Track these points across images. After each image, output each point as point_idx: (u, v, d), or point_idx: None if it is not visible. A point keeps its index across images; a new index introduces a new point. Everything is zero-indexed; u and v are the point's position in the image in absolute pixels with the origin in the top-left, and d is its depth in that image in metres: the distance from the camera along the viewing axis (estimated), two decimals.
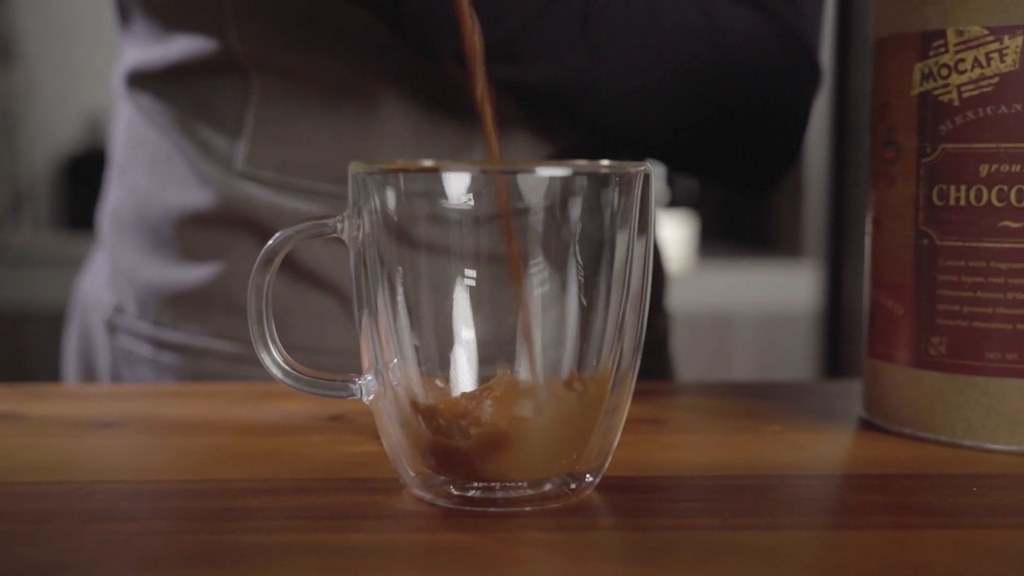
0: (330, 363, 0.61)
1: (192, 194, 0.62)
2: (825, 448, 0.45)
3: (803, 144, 0.65)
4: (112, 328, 0.67)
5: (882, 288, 0.47)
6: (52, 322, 1.44)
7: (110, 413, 0.50)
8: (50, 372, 1.19)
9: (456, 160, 0.60)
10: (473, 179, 0.34)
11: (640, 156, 0.64)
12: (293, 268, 0.61)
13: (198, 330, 0.63)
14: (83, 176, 2.02)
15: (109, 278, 0.68)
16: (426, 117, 0.60)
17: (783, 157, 0.65)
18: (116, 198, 0.68)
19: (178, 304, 0.63)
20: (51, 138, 2.09)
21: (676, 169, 0.67)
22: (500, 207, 0.34)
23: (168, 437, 0.46)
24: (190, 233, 0.63)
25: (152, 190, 0.64)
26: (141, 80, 0.65)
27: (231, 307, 0.62)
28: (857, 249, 1.83)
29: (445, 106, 0.60)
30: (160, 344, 0.64)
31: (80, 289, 0.73)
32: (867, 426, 0.48)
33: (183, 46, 0.62)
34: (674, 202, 2.07)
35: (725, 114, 0.61)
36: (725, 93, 0.60)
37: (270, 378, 0.46)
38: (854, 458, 0.44)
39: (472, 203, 0.34)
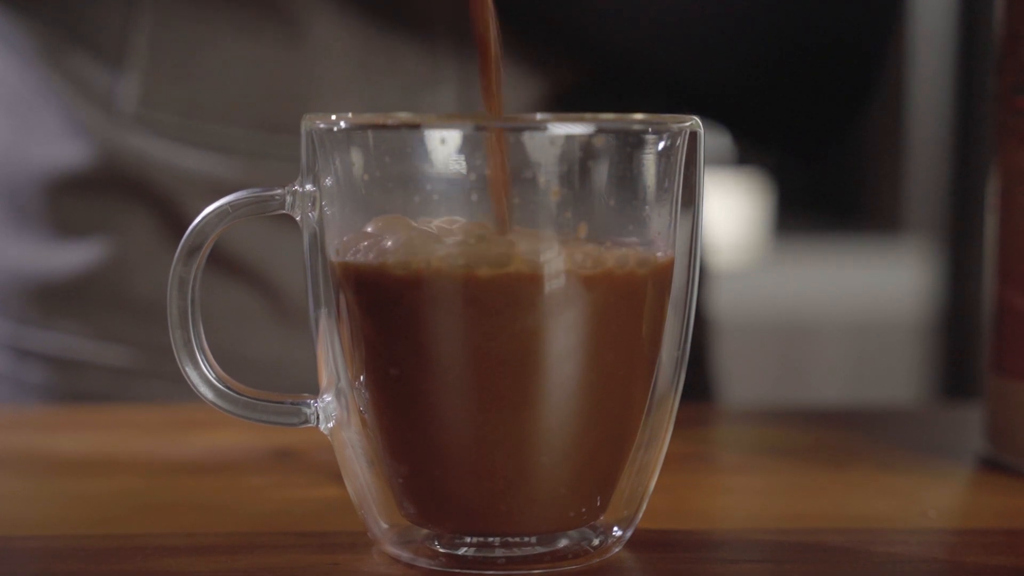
0: (252, 379, 0.62)
1: (64, 149, 0.63)
2: (932, 494, 0.47)
3: (873, 90, 0.66)
4: None
5: (1011, 282, 0.48)
6: None
7: None
8: None
9: (422, 102, 0.61)
10: (468, 137, 0.35)
11: (675, 104, 0.65)
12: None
13: (77, 330, 0.64)
14: None
15: None
16: (375, 40, 0.61)
17: (847, 107, 0.65)
18: None
19: (50, 297, 0.65)
20: None
21: (715, 121, 0.68)
22: (493, 170, 0.35)
23: (57, 479, 0.47)
24: (63, 202, 0.64)
25: (9, 145, 0.65)
26: None
27: (122, 301, 0.63)
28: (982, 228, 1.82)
29: (399, 23, 0.61)
30: (25, 352, 0.65)
31: None
32: (990, 465, 0.49)
33: None
34: (743, 160, 2.03)
35: (769, 42, 0.62)
36: (769, 14, 0.61)
37: (182, 398, 0.46)
38: (971, 507, 0.46)
39: (467, 168, 0.35)
